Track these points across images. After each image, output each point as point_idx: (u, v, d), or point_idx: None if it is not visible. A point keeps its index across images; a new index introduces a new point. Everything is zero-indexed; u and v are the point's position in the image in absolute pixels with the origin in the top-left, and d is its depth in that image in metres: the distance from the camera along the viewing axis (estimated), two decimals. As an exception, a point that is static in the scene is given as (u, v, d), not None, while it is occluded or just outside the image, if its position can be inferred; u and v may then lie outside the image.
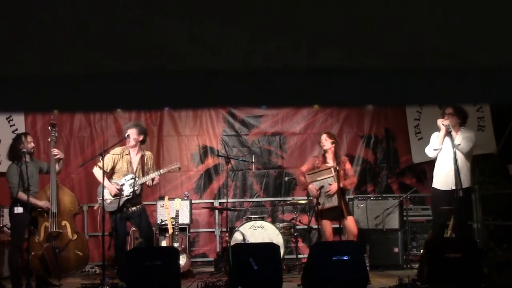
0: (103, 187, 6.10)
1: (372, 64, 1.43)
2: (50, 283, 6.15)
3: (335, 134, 6.92)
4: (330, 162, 6.43)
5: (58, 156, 6.22)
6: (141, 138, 6.35)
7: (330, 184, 6.33)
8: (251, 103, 1.45)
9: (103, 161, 6.15)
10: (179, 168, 6.67)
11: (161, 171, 6.38)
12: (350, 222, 6.36)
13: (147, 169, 6.35)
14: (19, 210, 5.87)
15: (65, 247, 6.19)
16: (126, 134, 6.29)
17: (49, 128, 6.40)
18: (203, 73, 1.35)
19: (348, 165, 6.59)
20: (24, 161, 5.89)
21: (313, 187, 6.40)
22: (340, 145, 7.14)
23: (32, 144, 6.12)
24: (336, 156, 6.38)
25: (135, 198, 6.25)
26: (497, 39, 1.40)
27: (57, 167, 6.26)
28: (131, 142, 6.31)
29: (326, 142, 6.44)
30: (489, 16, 1.38)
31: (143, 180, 6.25)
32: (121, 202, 6.14)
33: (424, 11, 1.40)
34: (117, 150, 6.37)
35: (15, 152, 5.98)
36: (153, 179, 6.31)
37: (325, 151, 6.49)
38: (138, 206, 6.30)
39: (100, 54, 1.33)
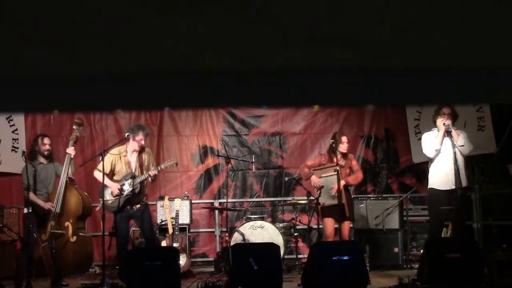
0: (103, 187, 6.08)
1: (372, 64, 1.43)
2: (61, 284, 6.15)
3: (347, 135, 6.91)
4: (339, 159, 6.39)
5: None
6: (143, 141, 6.30)
7: (334, 185, 6.33)
8: (251, 104, 1.46)
9: (103, 161, 6.12)
10: (177, 164, 6.49)
11: (159, 167, 6.34)
12: (345, 227, 6.38)
13: (147, 167, 6.30)
14: (26, 210, 5.99)
15: (62, 248, 6.18)
16: (127, 135, 6.25)
17: (74, 126, 6.41)
18: (203, 73, 1.35)
19: (354, 162, 6.66)
20: (36, 163, 6.13)
21: (315, 178, 6.40)
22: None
23: (48, 146, 6.31)
24: (345, 155, 6.49)
25: (135, 197, 6.21)
26: (498, 39, 1.40)
27: (69, 171, 6.27)
28: (135, 145, 6.25)
29: (344, 145, 6.44)
30: (490, 16, 1.38)
31: (141, 178, 6.21)
32: (121, 202, 6.11)
33: (424, 11, 1.40)
34: (115, 151, 6.29)
35: (31, 153, 6.21)
36: (152, 176, 6.24)
37: (336, 149, 6.43)
38: (139, 205, 6.26)
39: (100, 54, 1.34)
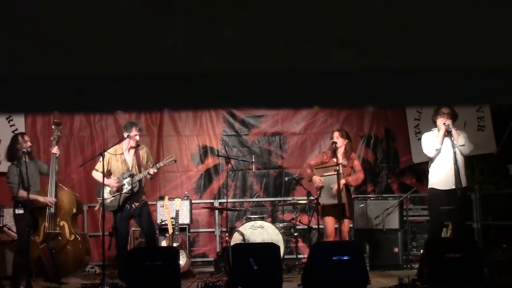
0: (103, 186, 6.09)
1: (371, 65, 1.43)
2: (61, 283, 6.14)
3: (348, 132, 6.86)
4: (340, 159, 6.38)
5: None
6: (138, 136, 6.34)
7: (334, 184, 6.32)
8: (251, 105, 1.46)
9: (103, 161, 6.13)
10: (175, 161, 6.61)
11: (157, 165, 6.36)
12: (344, 225, 6.38)
13: (144, 164, 6.32)
14: (19, 211, 5.90)
15: (62, 248, 6.18)
16: (126, 135, 6.26)
17: (53, 126, 6.40)
18: (203, 74, 1.35)
19: (356, 162, 6.58)
20: (24, 161, 5.92)
21: (317, 178, 6.39)
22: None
23: (29, 144, 6.14)
24: (346, 154, 6.44)
25: (134, 195, 6.23)
26: (498, 39, 1.40)
27: (56, 167, 6.26)
28: (131, 142, 6.28)
29: (338, 140, 6.43)
30: (490, 16, 1.38)
31: (139, 176, 6.23)
32: (121, 200, 6.13)
33: (424, 11, 1.40)
34: (111, 150, 6.31)
35: (12, 153, 6.02)
36: (152, 174, 6.25)
37: (336, 148, 6.44)
38: (138, 203, 6.27)
39: (100, 54, 1.33)
